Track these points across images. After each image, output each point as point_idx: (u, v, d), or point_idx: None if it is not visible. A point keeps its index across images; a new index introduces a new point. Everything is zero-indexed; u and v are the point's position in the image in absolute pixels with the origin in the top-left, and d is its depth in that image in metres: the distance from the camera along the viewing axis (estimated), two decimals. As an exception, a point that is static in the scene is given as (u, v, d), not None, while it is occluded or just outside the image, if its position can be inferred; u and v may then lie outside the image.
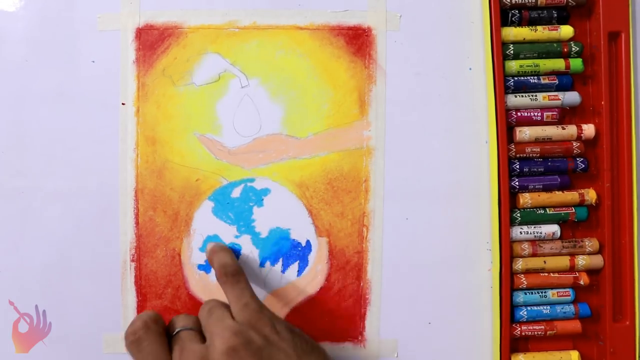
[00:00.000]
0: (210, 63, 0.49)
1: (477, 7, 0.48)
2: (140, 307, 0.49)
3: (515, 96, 0.48)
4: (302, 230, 0.49)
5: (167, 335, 0.41)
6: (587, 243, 0.49)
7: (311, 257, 0.49)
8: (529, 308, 0.48)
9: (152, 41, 0.49)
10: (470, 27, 0.49)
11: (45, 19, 0.49)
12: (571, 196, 0.49)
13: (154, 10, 0.49)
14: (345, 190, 0.49)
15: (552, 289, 0.49)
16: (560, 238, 0.49)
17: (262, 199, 0.49)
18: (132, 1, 0.49)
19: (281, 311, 0.49)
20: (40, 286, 0.49)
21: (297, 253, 0.49)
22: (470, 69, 0.49)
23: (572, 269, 0.48)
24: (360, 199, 0.49)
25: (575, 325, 0.48)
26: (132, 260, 0.49)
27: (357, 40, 0.49)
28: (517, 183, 0.48)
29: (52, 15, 0.49)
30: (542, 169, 0.49)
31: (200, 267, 0.49)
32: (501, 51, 0.48)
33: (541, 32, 0.48)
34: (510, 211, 0.48)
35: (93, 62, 0.49)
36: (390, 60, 0.49)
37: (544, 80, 0.48)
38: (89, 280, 0.49)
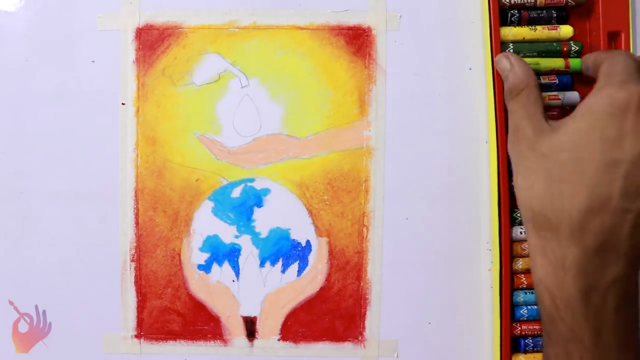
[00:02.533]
0: (210, 63, 0.49)
1: (477, 7, 0.48)
2: (140, 307, 0.49)
3: (515, 96, 0.48)
4: (302, 230, 0.49)
5: None
6: (587, 243, 0.48)
7: (311, 257, 0.49)
8: (529, 307, 0.48)
9: (152, 41, 0.49)
10: (470, 27, 0.48)
11: (45, 19, 0.49)
12: (571, 196, 0.48)
13: (154, 10, 0.49)
14: (345, 190, 0.49)
15: (552, 288, 0.49)
16: (560, 238, 0.49)
17: (262, 199, 0.49)
18: (132, 1, 0.49)
19: (281, 311, 0.49)
20: (40, 286, 0.49)
21: (297, 253, 0.49)
22: (470, 69, 0.49)
23: (572, 268, 0.48)
24: (360, 199, 0.49)
25: (576, 325, 0.48)
26: (132, 260, 0.49)
27: (357, 40, 0.49)
28: (516, 183, 0.48)
29: (52, 15, 0.49)
30: (542, 169, 0.49)
31: (200, 267, 0.49)
32: (500, 51, 0.48)
33: (540, 32, 0.48)
34: (510, 211, 0.48)
35: (93, 62, 0.49)
36: (390, 60, 0.49)
37: (544, 80, 0.48)
38: (89, 280, 0.49)
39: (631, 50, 0.48)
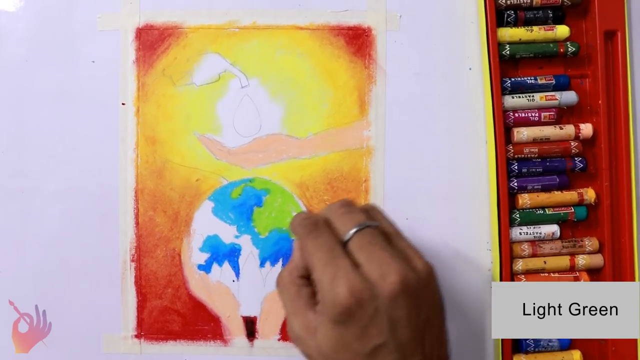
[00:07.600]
0: (210, 63, 0.49)
1: (476, 8, 0.49)
2: (140, 307, 0.48)
3: (513, 97, 0.48)
4: (302, 230, 0.49)
5: None
6: (586, 242, 0.49)
7: (311, 257, 0.49)
8: (529, 306, 0.48)
9: (152, 41, 0.49)
10: (470, 27, 0.49)
11: (45, 19, 0.49)
12: (570, 196, 0.49)
13: (154, 10, 0.49)
14: (345, 190, 0.49)
15: (552, 288, 0.49)
16: (560, 238, 0.49)
17: (262, 199, 0.49)
18: (132, 1, 0.49)
19: (281, 311, 0.49)
20: (40, 286, 0.49)
21: (297, 253, 0.49)
22: (470, 69, 0.49)
23: (572, 268, 0.48)
24: (360, 199, 0.49)
25: (576, 325, 0.48)
26: (132, 260, 0.49)
27: (357, 40, 0.49)
28: (515, 184, 0.48)
29: (52, 15, 0.49)
30: (540, 169, 0.49)
31: (200, 267, 0.49)
32: (497, 52, 0.48)
33: (537, 32, 0.49)
34: (510, 211, 0.48)
35: (93, 62, 0.49)
36: (390, 60, 0.49)
37: (541, 81, 0.49)
38: (89, 280, 0.48)
39: (627, 49, 0.48)
